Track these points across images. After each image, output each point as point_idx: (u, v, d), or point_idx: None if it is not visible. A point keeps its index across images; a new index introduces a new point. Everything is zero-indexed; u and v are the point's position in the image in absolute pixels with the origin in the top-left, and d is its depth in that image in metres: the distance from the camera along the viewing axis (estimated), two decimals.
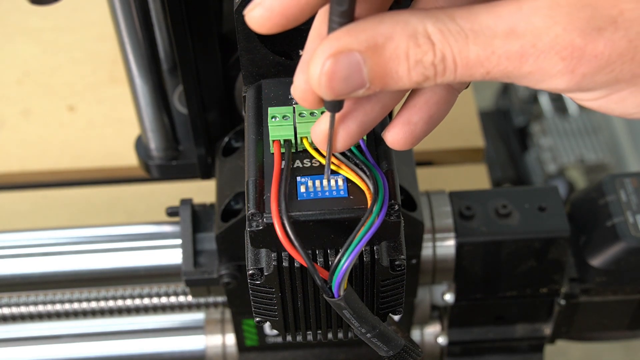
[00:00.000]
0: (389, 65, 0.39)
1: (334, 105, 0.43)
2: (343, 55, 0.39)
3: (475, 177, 1.03)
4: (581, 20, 0.38)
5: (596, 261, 0.73)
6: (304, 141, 0.50)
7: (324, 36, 0.40)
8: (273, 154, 0.50)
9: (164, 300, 0.82)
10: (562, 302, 0.76)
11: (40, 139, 1.04)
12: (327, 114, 0.45)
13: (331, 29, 0.40)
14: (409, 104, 0.46)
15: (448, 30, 0.38)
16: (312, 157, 0.50)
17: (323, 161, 0.50)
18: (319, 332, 0.56)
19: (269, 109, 0.51)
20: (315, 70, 0.39)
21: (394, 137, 0.46)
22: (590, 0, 0.38)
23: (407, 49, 0.38)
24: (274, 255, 0.50)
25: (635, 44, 0.38)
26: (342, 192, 0.48)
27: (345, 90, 0.39)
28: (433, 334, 0.82)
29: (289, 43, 0.56)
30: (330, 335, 0.56)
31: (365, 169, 0.48)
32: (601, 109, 0.41)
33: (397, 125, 0.46)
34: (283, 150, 0.50)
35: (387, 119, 0.53)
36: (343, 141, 0.46)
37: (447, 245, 0.73)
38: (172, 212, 0.73)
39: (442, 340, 0.81)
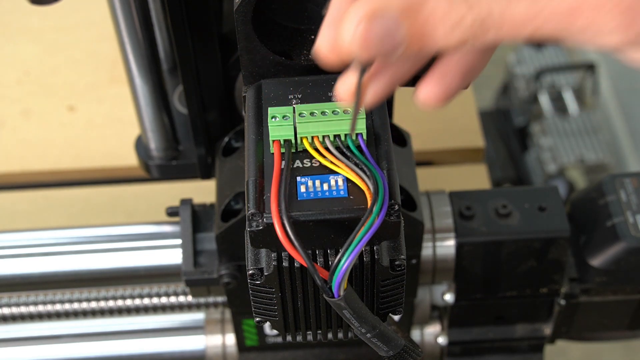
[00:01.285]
0: (426, 27, 0.37)
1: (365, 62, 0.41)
2: (378, 16, 0.37)
3: (475, 177, 1.03)
4: None
5: (596, 261, 0.73)
6: (304, 141, 0.50)
7: None
8: (273, 154, 0.50)
9: (164, 300, 0.82)
10: (562, 302, 0.76)
11: (40, 139, 1.04)
12: (355, 69, 0.43)
13: None
14: (444, 58, 0.43)
15: None
16: (312, 157, 0.50)
17: (323, 161, 0.50)
18: (319, 332, 0.56)
19: (269, 109, 0.51)
20: (348, 31, 0.37)
21: (428, 93, 0.43)
22: None
23: (445, 10, 0.36)
24: (274, 255, 0.50)
25: None
26: (342, 192, 0.48)
27: (379, 52, 0.37)
28: (433, 334, 0.82)
29: (289, 43, 0.56)
30: (330, 335, 0.56)
31: (365, 169, 0.48)
32: None
33: (431, 81, 0.43)
34: (283, 150, 0.50)
35: (387, 116, 0.52)
36: (371, 98, 0.44)
37: (447, 245, 0.73)
38: (172, 212, 0.73)
39: (442, 340, 0.81)
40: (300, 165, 0.50)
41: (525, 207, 0.73)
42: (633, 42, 0.37)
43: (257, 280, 0.51)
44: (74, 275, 0.75)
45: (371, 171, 0.48)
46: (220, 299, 0.80)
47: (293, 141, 0.50)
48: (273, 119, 0.50)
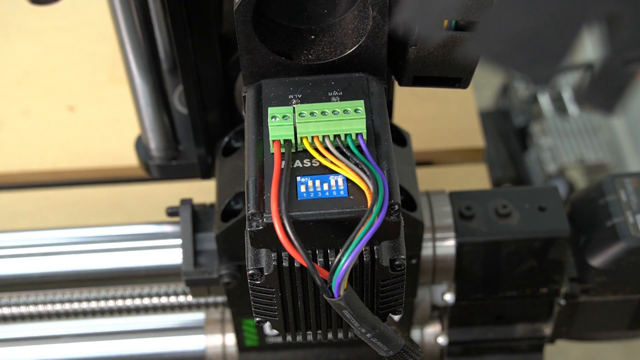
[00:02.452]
0: None
1: None
2: None
3: (475, 177, 1.03)
4: None
5: (596, 261, 0.73)
6: (304, 141, 0.50)
7: None
8: (273, 154, 0.50)
9: (164, 300, 0.82)
10: (562, 302, 0.76)
11: (40, 139, 1.04)
12: None
13: None
14: None
15: None
16: (312, 157, 0.50)
17: (323, 161, 0.50)
18: (319, 332, 0.56)
19: (269, 109, 0.51)
20: None
21: None
22: None
23: None
24: (274, 255, 0.50)
25: None
26: (342, 192, 0.48)
27: None
28: (433, 334, 0.82)
29: (289, 43, 0.56)
30: (330, 335, 0.56)
31: (365, 169, 0.48)
32: None
33: None
34: (283, 150, 0.50)
35: (387, 116, 0.53)
36: None
37: (447, 245, 0.73)
38: (172, 212, 0.73)
39: (442, 340, 0.81)
40: (300, 165, 0.50)
41: (525, 207, 0.73)
42: None
43: (257, 280, 0.51)
44: (74, 275, 0.75)
45: (371, 171, 0.48)
46: (220, 299, 0.80)
47: (293, 141, 0.50)
48: (273, 119, 0.50)
